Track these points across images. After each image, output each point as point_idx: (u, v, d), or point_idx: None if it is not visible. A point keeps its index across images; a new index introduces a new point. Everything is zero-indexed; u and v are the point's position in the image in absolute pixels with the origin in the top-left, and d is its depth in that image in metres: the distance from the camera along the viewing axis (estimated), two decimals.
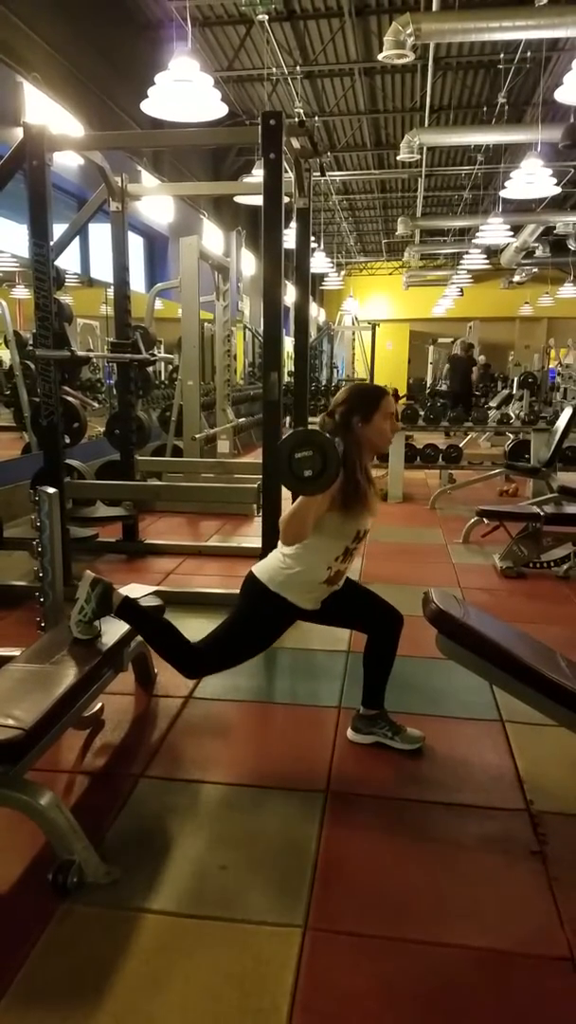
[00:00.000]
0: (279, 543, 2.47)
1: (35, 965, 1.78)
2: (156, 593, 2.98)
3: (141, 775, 2.58)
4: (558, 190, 9.45)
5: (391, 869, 2.13)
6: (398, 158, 10.88)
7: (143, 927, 1.89)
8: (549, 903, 1.99)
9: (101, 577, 2.63)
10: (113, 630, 2.68)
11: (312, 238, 5.86)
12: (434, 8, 7.85)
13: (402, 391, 13.65)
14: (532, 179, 8.43)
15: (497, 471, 7.69)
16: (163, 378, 10.42)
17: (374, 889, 2.05)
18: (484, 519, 5.45)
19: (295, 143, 4.46)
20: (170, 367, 9.92)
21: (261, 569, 2.55)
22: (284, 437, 2.20)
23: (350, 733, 2.82)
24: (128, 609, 2.63)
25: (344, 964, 1.79)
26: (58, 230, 4.57)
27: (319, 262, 15.33)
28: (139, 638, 2.84)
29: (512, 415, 9.63)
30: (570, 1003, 1.70)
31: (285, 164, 3.82)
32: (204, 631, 2.63)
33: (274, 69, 10.26)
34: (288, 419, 6.01)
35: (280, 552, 2.50)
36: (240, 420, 9.01)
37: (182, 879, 2.07)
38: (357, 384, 2.68)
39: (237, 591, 2.64)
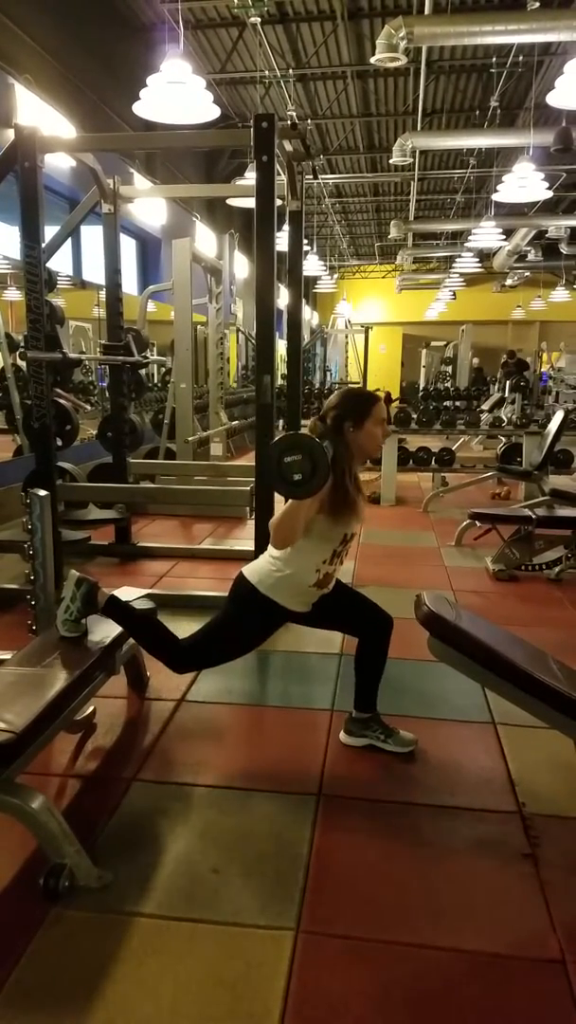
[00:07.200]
0: (269, 546, 2.47)
1: (26, 969, 1.77)
2: (149, 596, 2.98)
3: (133, 778, 2.57)
4: (550, 194, 9.49)
5: (383, 872, 2.13)
6: (391, 161, 10.88)
7: (135, 930, 1.89)
8: (541, 906, 1.99)
9: (86, 576, 2.63)
10: (104, 632, 2.67)
11: (305, 241, 5.87)
12: (427, 12, 7.85)
13: (395, 394, 13.68)
14: (524, 183, 8.46)
15: (489, 474, 7.70)
16: (156, 381, 10.41)
17: (366, 892, 2.04)
18: (476, 522, 5.46)
19: (288, 145, 4.47)
20: (163, 370, 9.92)
21: (251, 571, 2.54)
22: (274, 441, 2.20)
23: (343, 736, 2.82)
24: (114, 607, 2.63)
25: (336, 967, 1.79)
26: (50, 232, 4.57)
27: (312, 265, 15.33)
28: (131, 641, 2.83)
29: (504, 418, 9.64)
30: (561, 1006, 1.70)
31: (278, 166, 3.82)
32: None
33: (267, 72, 10.26)
34: (281, 422, 6.01)
35: (269, 555, 2.50)
36: (233, 423, 9.01)
37: (174, 882, 2.06)
38: (350, 389, 2.67)
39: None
